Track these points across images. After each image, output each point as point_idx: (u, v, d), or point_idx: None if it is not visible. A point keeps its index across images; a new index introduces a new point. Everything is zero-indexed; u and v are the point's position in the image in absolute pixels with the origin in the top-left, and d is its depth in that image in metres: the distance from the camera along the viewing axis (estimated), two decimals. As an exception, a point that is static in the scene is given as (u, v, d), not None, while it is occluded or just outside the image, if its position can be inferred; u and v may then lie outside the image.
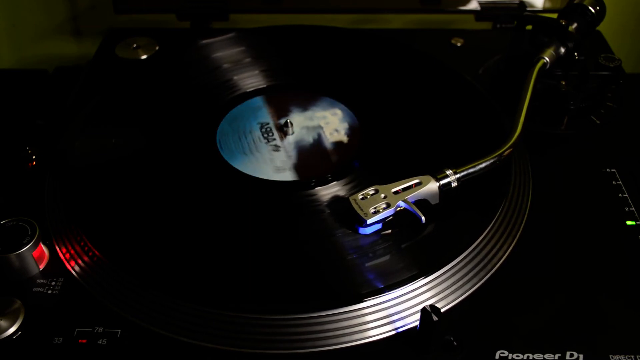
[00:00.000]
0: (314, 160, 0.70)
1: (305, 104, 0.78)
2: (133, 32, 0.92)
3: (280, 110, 0.77)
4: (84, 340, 0.53)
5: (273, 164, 0.69)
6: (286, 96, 0.79)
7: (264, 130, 0.74)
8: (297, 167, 0.69)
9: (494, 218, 0.61)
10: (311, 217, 0.63)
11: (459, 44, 0.90)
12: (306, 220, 0.63)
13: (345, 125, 0.75)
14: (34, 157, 0.70)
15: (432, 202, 0.61)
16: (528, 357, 0.52)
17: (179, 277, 0.56)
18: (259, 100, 0.78)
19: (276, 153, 0.71)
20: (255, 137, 0.73)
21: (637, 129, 0.75)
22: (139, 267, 0.57)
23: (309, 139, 0.73)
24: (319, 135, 0.73)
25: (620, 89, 0.79)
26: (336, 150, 0.71)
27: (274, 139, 0.73)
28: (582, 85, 0.76)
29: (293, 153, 0.71)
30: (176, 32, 0.93)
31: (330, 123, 0.75)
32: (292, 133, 0.73)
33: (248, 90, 0.80)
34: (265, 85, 0.81)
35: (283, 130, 0.74)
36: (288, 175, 0.68)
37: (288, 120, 0.73)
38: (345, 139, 0.73)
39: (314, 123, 0.75)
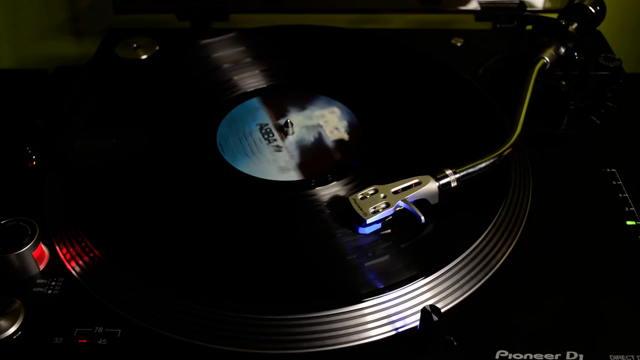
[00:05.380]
0: (318, 159, 0.70)
1: (302, 104, 0.78)
2: (133, 32, 0.92)
3: (278, 110, 0.77)
4: (84, 340, 0.53)
5: (277, 164, 0.69)
6: (283, 96, 0.79)
7: (263, 131, 0.74)
8: (302, 166, 0.69)
9: (494, 218, 0.61)
10: (311, 217, 0.63)
11: (459, 44, 0.90)
12: (306, 220, 0.63)
13: (345, 123, 0.75)
14: (34, 157, 0.70)
15: (432, 202, 0.61)
16: (528, 357, 0.52)
17: (178, 277, 0.56)
18: (256, 102, 0.78)
19: (278, 153, 0.71)
20: (256, 139, 0.73)
21: (637, 129, 0.75)
22: (138, 267, 0.57)
23: (310, 138, 0.73)
24: (320, 134, 0.73)
25: (620, 89, 0.79)
26: (338, 148, 0.71)
27: (275, 140, 0.73)
28: (582, 85, 0.76)
29: (295, 153, 0.71)
30: (176, 32, 0.93)
31: (329, 121, 0.75)
32: (293, 133, 0.73)
33: (244, 92, 0.80)
34: (265, 85, 0.81)
35: (283, 131, 0.74)
36: (293, 175, 0.68)
37: (288, 120, 0.73)
38: (346, 136, 0.73)
39: (313, 122, 0.75)
